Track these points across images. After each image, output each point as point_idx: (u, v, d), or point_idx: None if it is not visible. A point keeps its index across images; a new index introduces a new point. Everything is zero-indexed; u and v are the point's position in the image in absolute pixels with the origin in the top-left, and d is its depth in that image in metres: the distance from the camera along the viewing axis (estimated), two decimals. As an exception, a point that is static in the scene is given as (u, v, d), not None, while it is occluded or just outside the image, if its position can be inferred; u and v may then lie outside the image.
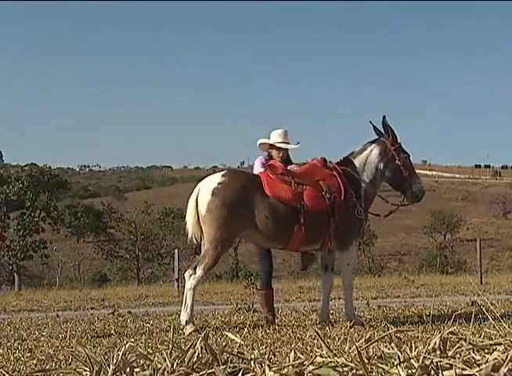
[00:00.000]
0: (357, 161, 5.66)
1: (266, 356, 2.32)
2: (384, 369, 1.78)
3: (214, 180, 5.21)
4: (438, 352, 1.88)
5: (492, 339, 2.07)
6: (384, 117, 5.74)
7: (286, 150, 5.84)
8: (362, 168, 5.63)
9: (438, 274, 24.67)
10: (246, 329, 4.80)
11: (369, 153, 5.67)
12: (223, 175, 5.24)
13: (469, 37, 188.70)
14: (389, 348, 1.97)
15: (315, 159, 5.65)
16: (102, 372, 1.96)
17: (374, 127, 5.78)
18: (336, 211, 5.27)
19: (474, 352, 1.86)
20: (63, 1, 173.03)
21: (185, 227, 5.29)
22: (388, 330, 2.21)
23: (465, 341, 1.94)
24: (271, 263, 5.91)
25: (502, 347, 1.87)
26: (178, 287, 14.24)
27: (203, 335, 2.15)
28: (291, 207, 5.16)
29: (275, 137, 5.80)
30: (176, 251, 17.01)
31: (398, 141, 5.71)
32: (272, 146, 5.82)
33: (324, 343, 2.07)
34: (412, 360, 1.78)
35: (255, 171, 5.75)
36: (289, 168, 5.56)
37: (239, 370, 1.89)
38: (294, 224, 5.16)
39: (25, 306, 11.20)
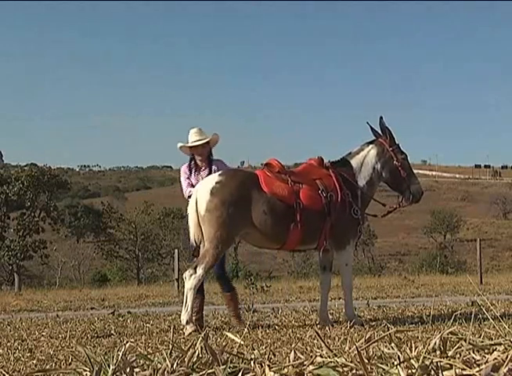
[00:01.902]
0: (354, 162, 5.66)
1: (266, 356, 2.32)
2: (384, 369, 1.78)
3: (212, 180, 5.22)
4: (438, 352, 1.88)
5: (492, 339, 2.08)
6: (381, 117, 5.75)
7: (204, 147, 5.78)
8: (359, 168, 5.63)
9: (438, 274, 24.65)
10: (246, 329, 4.80)
11: (367, 154, 5.68)
12: (221, 175, 5.26)
13: (469, 36, 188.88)
14: (389, 348, 1.96)
15: (312, 159, 5.66)
16: (102, 372, 1.96)
17: (372, 128, 5.78)
18: (332, 211, 5.28)
19: (474, 352, 1.86)
20: (70, 1, 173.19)
21: (188, 229, 5.29)
22: (388, 330, 2.21)
23: (465, 341, 1.94)
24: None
25: (502, 347, 1.87)
26: (178, 287, 14.24)
27: (203, 335, 2.15)
28: (288, 205, 5.17)
29: (191, 137, 5.81)
30: (176, 251, 17.03)
31: (397, 142, 5.72)
32: (191, 147, 5.81)
33: (324, 343, 2.08)
34: (412, 360, 1.78)
35: (183, 185, 5.79)
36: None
37: (239, 370, 1.89)
38: (291, 222, 5.16)
39: (25, 306, 11.22)
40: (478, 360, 1.78)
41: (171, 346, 2.13)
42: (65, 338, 5.05)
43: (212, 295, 12.80)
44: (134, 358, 2.05)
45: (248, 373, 1.89)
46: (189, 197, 5.54)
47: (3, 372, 2.68)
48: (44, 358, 3.78)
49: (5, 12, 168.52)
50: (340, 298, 8.33)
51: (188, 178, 5.85)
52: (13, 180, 36.85)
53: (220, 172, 5.36)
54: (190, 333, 4.93)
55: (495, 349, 1.85)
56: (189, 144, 5.78)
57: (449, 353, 1.86)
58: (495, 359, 1.72)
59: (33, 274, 43.41)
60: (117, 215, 44.85)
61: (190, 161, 5.86)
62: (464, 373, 1.71)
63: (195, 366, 1.94)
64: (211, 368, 1.91)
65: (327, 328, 5.05)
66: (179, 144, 5.85)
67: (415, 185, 5.69)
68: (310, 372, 1.82)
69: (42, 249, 37.01)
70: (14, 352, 4.17)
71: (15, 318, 7.81)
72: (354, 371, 1.78)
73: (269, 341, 4.22)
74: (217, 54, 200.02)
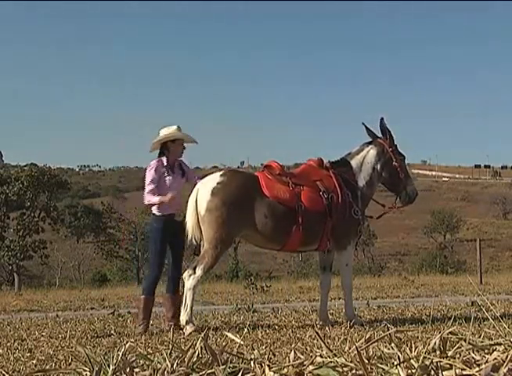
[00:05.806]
0: (354, 162, 5.66)
1: (266, 356, 2.32)
2: (383, 369, 1.78)
3: (213, 180, 5.21)
4: (438, 352, 1.87)
5: (492, 339, 2.07)
6: (382, 118, 5.75)
7: (183, 146, 5.58)
8: (359, 168, 5.64)
9: (438, 274, 24.68)
10: (246, 329, 4.80)
11: (366, 154, 5.68)
12: (222, 175, 5.25)
13: (469, 36, 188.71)
14: (389, 348, 1.96)
15: (312, 159, 5.65)
16: (102, 372, 1.96)
17: (367, 128, 5.78)
18: (333, 212, 5.27)
19: (474, 352, 1.86)
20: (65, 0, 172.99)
21: (185, 228, 5.28)
22: (388, 330, 2.21)
23: (465, 341, 1.93)
24: (160, 269, 5.62)
25: (502, 347, 1.87)
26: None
27: (203, 335, 2.15)
28: (289, 207, 5.16)
29: (177, 133, 5.55)
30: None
31: (395, 143, 5.73)
32: (165, 143, 5.55)
33: (324, 343, 2.08)
34: (412, 360, 1.78)
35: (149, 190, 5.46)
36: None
37: (239, 370, 1.89)
38: (292, 224, 5.16)
39: (25, 306, 11.21)
40: (478, 360, 1.77)
41: (171, 346, 2.12)
42: (65, 338, 5.05)
43: (212, 295, 12.81)
44: (134, 358, 2.05)
45: (248, 373, 1.89)
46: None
47: (3, 372, 2.68)
48: (44, 358, 3.77)
49: (4, 12, 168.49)
50: (340, 298, 8.33)
51: (156, 184, 5.43)
52: (13, 180, 36.82)
53: (221, 173, 5.34)
54: (190, 333, 4.93)
55: (495, 349, 1.85)
56: (184, 139, 5.56)
57: (449, 353, 1.86)
58: (495, 359, 1.72)
59: (33, 274, 43.39)
60: (117, 215, 44.82)
61: (166, 159, 5.55)
62: (464, 373, 1.71)
63: (195, 366, 1.94)
64: (211, 368, 1.91)
65: (327, 328, 5.05)
66: (165, 133, 5.51)
67: (410, 186, 5.73)
68: (310, 372, 1.82)
69: (42, 249, 37.00)
70: (14, 352, 4.17)
71: (15, 318, 7.81)
72: (354, 371, 1.78)
73: (269, 341, 4.22)
74: (217, 55, 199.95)
